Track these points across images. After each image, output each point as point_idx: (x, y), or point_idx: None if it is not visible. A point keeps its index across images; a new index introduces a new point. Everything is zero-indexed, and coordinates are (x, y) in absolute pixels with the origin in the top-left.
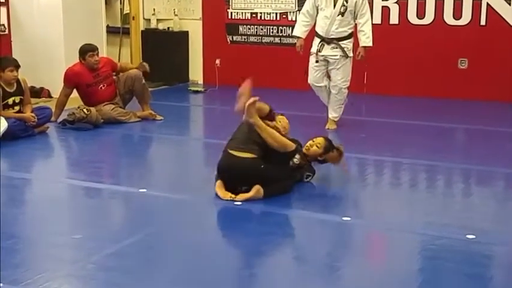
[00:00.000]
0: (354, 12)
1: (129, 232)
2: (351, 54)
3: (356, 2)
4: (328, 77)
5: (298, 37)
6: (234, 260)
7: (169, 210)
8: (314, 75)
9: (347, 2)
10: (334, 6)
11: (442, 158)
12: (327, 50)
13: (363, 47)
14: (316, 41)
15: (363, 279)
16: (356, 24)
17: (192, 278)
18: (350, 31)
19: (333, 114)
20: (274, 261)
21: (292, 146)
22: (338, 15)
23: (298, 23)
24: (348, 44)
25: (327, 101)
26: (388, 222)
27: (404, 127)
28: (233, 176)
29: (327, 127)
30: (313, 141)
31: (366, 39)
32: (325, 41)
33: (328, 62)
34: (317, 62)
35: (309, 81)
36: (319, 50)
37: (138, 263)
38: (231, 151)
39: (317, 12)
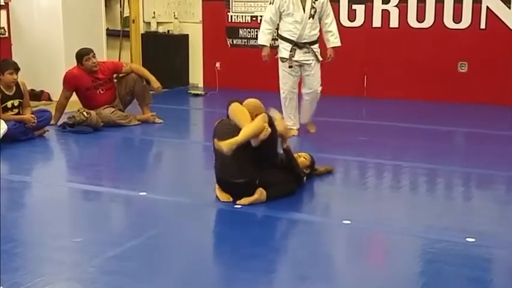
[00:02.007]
0: (320, 13)
1: (130, 235)
2: (321, 58)
3: (323, 2)
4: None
5: (264, 45)
6: (234, 263)
7: (170, 214)
8: (292, 80)
9: (315, 4)
10: (304, 10)
11: (442, 162)
12: (300, 55)
13: (332, 47)
14: (285, 45)
15: (363, 282)
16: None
17: (192, 281)
18: (318, 34)
19: (305, 119)
20: (274, 264)
21: (263, 121)
22: (309, 18)
23: (262, 31)
24: (317, 48)
25: (295, 109)
26: (388, 225)
27: (404, 130)
28: (233, 192)
29: (313, 131)
30: (299, 155)
31: (334, 39)
32: (298, 45)
33: (301, 67)
34: (291, 67)
35: (284, 89)
36: (292, 55)
37: (139, 266)
38: (222, 176)
39: (280, 18)
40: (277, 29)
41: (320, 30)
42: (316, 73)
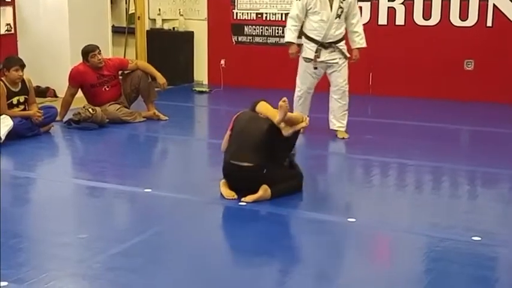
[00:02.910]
0: (347, 12)
1: (135, 232)
2: (348, 55)
3: (350, 2)
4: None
5: (291, 43)
6: (238, 260)
7: (174, 210)
8: (311, 81)
9: (343, 4)
10: (331, 9)
11: (448, 160)
12: (326, 55)
13: (357, 48)
14: (311, 45)
15: (368, 280)
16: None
17: (196, 278)
18: (344, 32)
19: (338, 124)
20: (278, 262)
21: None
22: (336, 17)
23: (289, 28)
24: (344, 46)
25: (307, 110)
26: (393, 223)
27: (410, 128)
28: (238, 183)
29: (341, 136)
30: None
31: (360, 40)
32: (323, 45)
33: (327, 66)
34: (315, 68)
35: (301, 88)
36: (317, 56)
37: (144, 263)
38: (231, 161)
39: (305, 15)
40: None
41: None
42: (343, 70)
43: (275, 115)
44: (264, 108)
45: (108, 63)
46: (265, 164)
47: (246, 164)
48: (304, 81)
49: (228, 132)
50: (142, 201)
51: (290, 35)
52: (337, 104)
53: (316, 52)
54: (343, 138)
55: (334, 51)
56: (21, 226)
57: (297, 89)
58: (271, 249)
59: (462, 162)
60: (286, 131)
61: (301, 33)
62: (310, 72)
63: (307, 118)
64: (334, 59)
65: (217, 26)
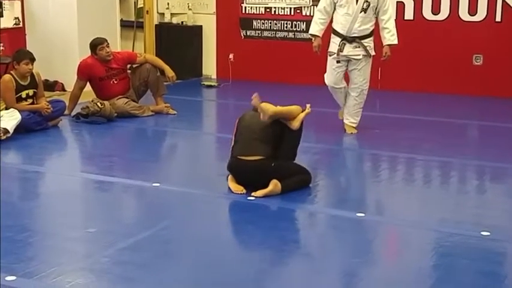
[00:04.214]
0: (376, 8)
1: (143, 226)
2: (373, 53)
3: None
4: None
5: (316, 36)
6: (246, 255)
7: (183, 205)
8: (335, 76)
9: None
10: (357, 2)
11: (457, 155)
12: (349, 49)
13: (388, 45)
14: (336, 39)
15: (376, 276)
16: (377, 21)
17: (204, 272)
18: (372, 29)
19: (351, 119)
20: (287, 256)
21: (299, 108)
22: (361, 12)
23: (315, 20)
24: (370, 43)
25: (343, 103)
26: (402, 218)
27: (419, 123)
28: (246, 178)
29: (349, 132)
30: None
31: (390, 36)
32: (347, 39)
33: (349, 61)
34: (338, 62)
35: (327, 83)
36: (340, 50)
37: (152, 257)
38: (238, 156)
39: (334, 9)
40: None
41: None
42: (364, 69)
43: (276, 111)
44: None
45: (116, 56)
46: (273, 156)
47: (254, 157)
48: (328, 76)
49: (233, 136)
50: (150, 195)
51: (315, 28)
52: (353, 102)
53: (339, 46)
54: (351, 133)
55: (359, 46)
56: (30, 220)
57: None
58: (279, 244)
59: (471, 157)
60: (293, 125)
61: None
62: (333, 67)
63: (309, 105)
64: (357, 55)
65: (226, 20)
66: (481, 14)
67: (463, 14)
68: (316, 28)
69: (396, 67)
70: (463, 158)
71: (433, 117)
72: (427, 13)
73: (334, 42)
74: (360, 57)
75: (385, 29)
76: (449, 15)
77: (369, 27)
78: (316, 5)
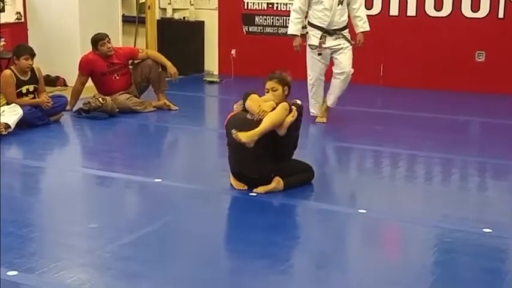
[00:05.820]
0: None
1: (145, 222)
2: (353, 42)
3: None
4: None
5: (295, 35)
6: (249, 251)
7: (185, 200)
8: (319, 67)
9: None
10: None
11: (458, 151)
12: (331, 41)
13: (361, 32)
14: (315, 32)
15: (378, 272)
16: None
17: (207, 268)
18: (347, 19)
19: (332, 100)
20: (288, 252)
21: (284, 109)
22: (338, 4)
23: (292, 21)
24: (348, 33)
25: (321, 97)
26: (403, 215)
27: (420, 120)
28: (249, 182)
29: (320, 121)
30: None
31: (363, 24)
32: (328, 32)
33: (332, 51)
34: (320, 54)
35: (312, 76)
36: (322, 42)
37: (154, 253)
38: (237, 172)
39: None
40: (306, 16)
41: (348, 16)
42: (348, 54)
43: (268, 109)
44: (253, 106)
45: (118, 51)
46: (273, 170)
47: (253, 176)
48: (313, 68)
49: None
50: (152, 191)
51: (293, 28)
52: (339, 85)
53: (320, 39)
54: (322, 123)
55: (339, 37)
56: (32, 215)
57: (308, 78)
58: (281, 240)
59: (473, 154)
60: (280, 133)
61: (306, 23)
62: (317, 59)
63: (295, 110)
64: (339, 44)
65: (228, 16)
66: (484, 10)
67: (466, 10)
68: (295, 28)
69: (398, 63)
70: (465, 155)
71: (434, 113)
72: (430, 9)
73: (315, 36)
74: (342, 45)
75: (357, 17)
76: (451, 11)
77: (346, 18)
78: None
